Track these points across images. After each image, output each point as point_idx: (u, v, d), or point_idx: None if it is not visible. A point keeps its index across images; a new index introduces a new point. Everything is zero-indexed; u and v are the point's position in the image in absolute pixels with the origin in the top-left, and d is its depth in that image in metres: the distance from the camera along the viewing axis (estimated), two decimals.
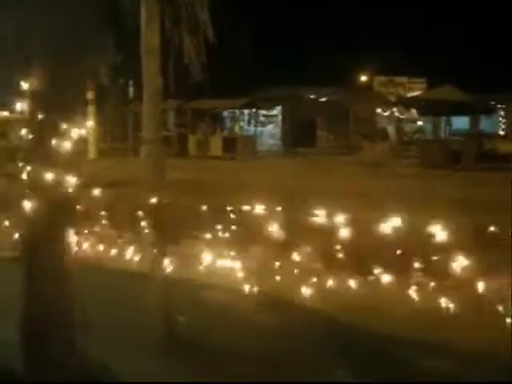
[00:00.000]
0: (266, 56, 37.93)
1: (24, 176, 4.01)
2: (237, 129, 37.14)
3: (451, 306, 3.26)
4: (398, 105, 33.92)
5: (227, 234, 3.80)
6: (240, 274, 3.91)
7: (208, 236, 3.87)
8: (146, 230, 4.29)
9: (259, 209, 3.68)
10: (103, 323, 4.93)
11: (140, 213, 4.35)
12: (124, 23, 17.00)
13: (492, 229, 3.10)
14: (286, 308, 5.82)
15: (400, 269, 3.19)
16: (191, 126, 33.15)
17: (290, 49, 41.16)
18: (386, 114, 34.93)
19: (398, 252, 3.15)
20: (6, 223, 5.22)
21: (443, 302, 3.27)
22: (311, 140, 34.56)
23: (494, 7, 40.13)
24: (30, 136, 3.97)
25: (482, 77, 33.52)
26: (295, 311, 5.59)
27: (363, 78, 44.75)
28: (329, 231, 3.36)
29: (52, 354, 3.96)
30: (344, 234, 3.31)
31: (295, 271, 3.62)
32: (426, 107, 30.55)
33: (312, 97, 34.64)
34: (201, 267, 4.00)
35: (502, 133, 34.31)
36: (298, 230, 3.51)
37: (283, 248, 3.56)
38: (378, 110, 35.30)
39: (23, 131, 4.02)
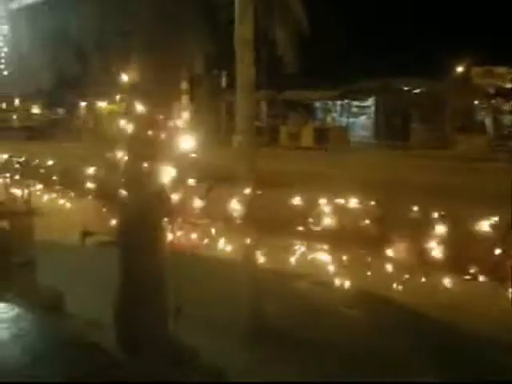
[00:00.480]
0: (359, 47, 37.37)
1: (122, 165, 4.12)
2: (329, 120, 36.83)
3: None
4: (496, 97, 32.63)
5: (320, 228, 3.78)
6: (332, 268, 3.87)
7: (301, 228, 3.85)
8: (239, 221, 4.32)
9: (353, 202, 3.63)
10: (195, 311, 5.01)
11: (232, 203, 4.38)
12: (218, 15, 17.19)
13: None
14: (377, 304, 5.73)
15: None
16: (283, 117, 33.17)
17: (383, 40, 40.39)
18: (484, 106, 33.65)
19: None
20: (104, 210, 5.39)
21: None
22: (405, 133, 33.77)
23: None
24: (129, 127, 4.06)
25: None
26: (386, 307, 5.50)
27: (459, 69, 43.31)
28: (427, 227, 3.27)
29: (145, 326, 4.04)
30: (440, 230, 3.21)
31: (388, 267, 3.55)
32: None
33: (406, 88, 33.82)
34: (293, 259, 4.00)
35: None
36: (397, 225, 3.44)
37: (377, 242, 3.50)
38: (476, 102, 34.07)
39: (122, 122, 4.12)
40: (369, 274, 3.85)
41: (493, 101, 33.12)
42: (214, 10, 17.65)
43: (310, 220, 3.85)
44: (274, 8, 13.37)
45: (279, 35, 15.68)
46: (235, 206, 4.33)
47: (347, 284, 3.96)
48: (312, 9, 18.42)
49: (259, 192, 4.37)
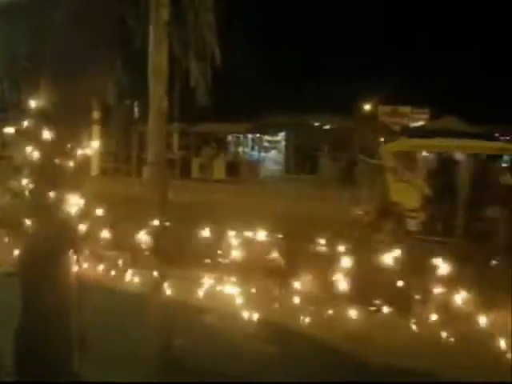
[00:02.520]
0: (271, 82, 38.12)
1: (27, 194, 4.00)
2: (241, 153, 37.18)
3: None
4: (402, 135, 33.99)
5: (228, 260, 3.79)
6: (240, 300, 3.88)
7: (209, 261, 3.85)
8: (147, 253, 4.27)
9: (261, 235, 3.67)
10: (100, 344, 4.88)
11: (141, 234, 4.34)
12: (132, 44, 17.12)
13: None
14: (285, 336, 5.76)
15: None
16: (195, 149, 33.18)
17: (295, 76, 41.45)
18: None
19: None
20: (7, 239, 5.21)
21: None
22: (314, 167, 34.56)
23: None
24: (35, 154, 3.96)
25: (483, 108, 33.70)
26: (295, 339, 5.53)
27: (367, 107, 44.94)
28: (328, 258, 3.34)
29: (45, 372, 3.92)
30: (345, 263, 3.30)
31: (295, 299, 3.59)
32: (429, 137, 30.58)
33: (316, 124, 34.71)
34: (201, 292, 3.98)
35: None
36: (301, 258, 3.50)
37: (284, 275, 3.54)
38: (382, 140, 35.36)
39: (28, 149, 4.01)
40: (276, 306, 3.88)
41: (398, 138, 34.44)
42: (128, 38, 17.57)
43: (219, 252, 3.86)
44: (189, 40, 13.45)
45: (193, 67, 15.76)
46: (143, 238, 4.28)
47: (255, 316, 3.97)
48: (227, 43, 18.67)
49: (168, 223, 4.34)
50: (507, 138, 32.77)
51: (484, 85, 41.04)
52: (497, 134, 32.27)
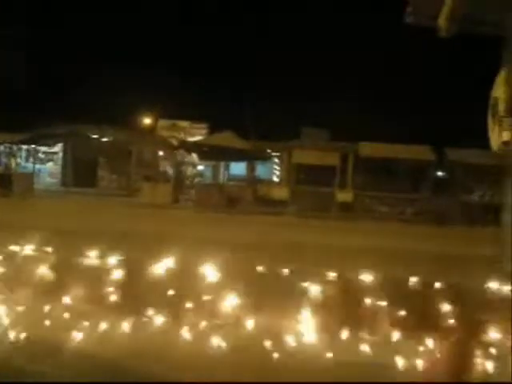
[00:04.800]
0: (47, 93, 36.80)
1: None
2: (13, 165, 35.18)
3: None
4: (179, 149, 34.62)
5: None
6: (5, 320, 3.65)
7: None
8: None
9: (28, 249, 3.50)
10: None
11: None
12: None
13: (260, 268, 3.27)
14: (59, 355, 5.52)
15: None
16: None
17: (73, 88, 40.40)
18: (169, 157, 35.43)
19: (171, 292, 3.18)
20: None
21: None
22: (92, 180, 33.86)
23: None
24: None
25: (259, 125, 35.59)
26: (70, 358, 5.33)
27: (147, 121, 45.11)
28: (101, 273, 3.29)
29: None
30: (117, 275, 3.27)
31: (66, 315, 3.47)
32: (206, 152, 31.59)
33: (94, 136, 34.02)
34: None
35: (275, 179, 36.47)
36: (70, 272, 3.40)
37: (54, 291, 3.41)
38: (161, 153, 35.70)
39: None
40: (47, 323, 3.71)
41: (176, 152, 35.01)
42: None
43: None
44: None
45: None
46: None
47: (22, 335, 3.76)
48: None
49: None
50: (278, 153, 34.95)
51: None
52: (269, 150, 34.27)
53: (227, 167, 34.54)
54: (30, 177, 31.35)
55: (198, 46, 47.14)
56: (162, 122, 43.02)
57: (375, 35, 40.78)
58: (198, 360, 4.85)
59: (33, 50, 35.41)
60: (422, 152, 29.51)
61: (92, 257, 3.44)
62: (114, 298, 3.30)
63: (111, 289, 3.27)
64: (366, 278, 3.07)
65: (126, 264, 3.39)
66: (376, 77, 39.25)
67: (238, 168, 33.97)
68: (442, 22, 6.96)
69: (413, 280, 3.04)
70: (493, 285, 2.96)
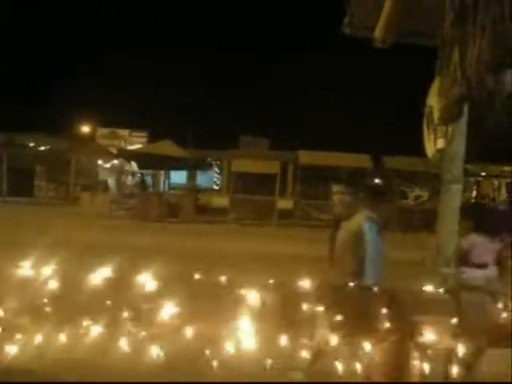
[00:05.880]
0: None
1: None
2: None
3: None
4: (119, 157, 34.20)
5: None
6: None
7: None
8: None
9: None
10: None
11: None
12: None
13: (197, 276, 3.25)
14: None
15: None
16: None
17: (11, 95, 39.56)
18: (108, 165, 34.95)
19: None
20: None
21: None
22: (29, 189, 33.06)
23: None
24: None
25: (199, 134, 35.59)
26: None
27: (86, 129, 44.48)
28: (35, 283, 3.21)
29: None
30: (51, 285, 3.19)
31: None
32: (145, 160, 31.30)
33: (31, 144, 33.26)
34: None
35: (215, 187, 36.47)
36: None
37: None
38: (100, 162, 35.19)
39: None
40: None
41: (115, 161, 34.59)
42: None
43: None
44: None
45: None
46: None
47: None
48: None
49: None
50: (218, 162, 34.97)
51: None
52: (209, 159, 34.25)
53: (167, 175, 34.34)
54: None
55: (138, 51, 46.77)
56: (102, 130, 42.53)
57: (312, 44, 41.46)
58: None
59: None
60: (359, 160, 30.00)
61: (23, 266, 3.35)
62: (49, 309, 3.22)
63: (45, 300, 3.19)
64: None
65: (60, 274, 3.31)
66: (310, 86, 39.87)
67: (179, 176, 33.80)
68: (377, 33, 7.12)
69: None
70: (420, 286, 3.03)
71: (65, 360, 5.19)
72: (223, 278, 3.17)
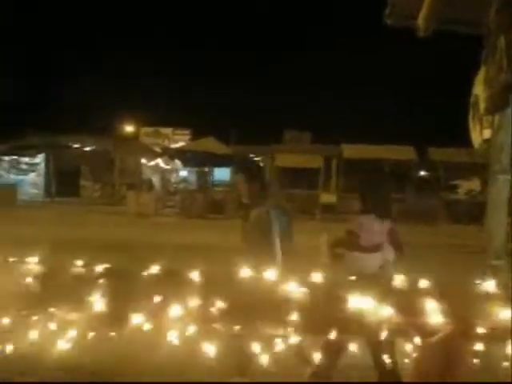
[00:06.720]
0: (23, 103, 36.66)
1: None
2: None
3: None
4: (162, 155, 34.51)
5: None
6: None
7: None
8: None
9: (13, 260, 3.47)
10: None
11: None
12: None
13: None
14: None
15: None
16: None
17: (49, 96, 40.31)
18: (152, 164, 35.31)
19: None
20: None
21: None
22: (75, 189, 33.64)
23: None
24: None
25: (242, 130, 35.71)
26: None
27: (129, 128, 44.99)
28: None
29: None
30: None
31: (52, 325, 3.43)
32: (189, 158, 31.52)
33: (76, 146, 33.81)
34: None
35: None
36: (56, 282, 3.36)
37: (40, 301, 3.38)
38: (144, 161, 35.56)
39: None
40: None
41: (159, 159, 34.91)
42: None
43: None
44: None
45: None
46: None
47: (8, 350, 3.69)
48: None
49: None
50: (260, 158, 34.98)
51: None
52: (252, 155, 34.27)
53: (211, 172, 34.49)
54: (12, 188, 31.07)
55: (183, 52, 47.13)
56: (145, 129, 42.94)
57: (354, 38, 41.10)
58: None
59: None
60: (403, 152, 29.64)
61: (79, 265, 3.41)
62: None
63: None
64: None
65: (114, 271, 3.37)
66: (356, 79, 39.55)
67: (222, 173, 33.92)
68: (420, 21, 7.01)
69: None
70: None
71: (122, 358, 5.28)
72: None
